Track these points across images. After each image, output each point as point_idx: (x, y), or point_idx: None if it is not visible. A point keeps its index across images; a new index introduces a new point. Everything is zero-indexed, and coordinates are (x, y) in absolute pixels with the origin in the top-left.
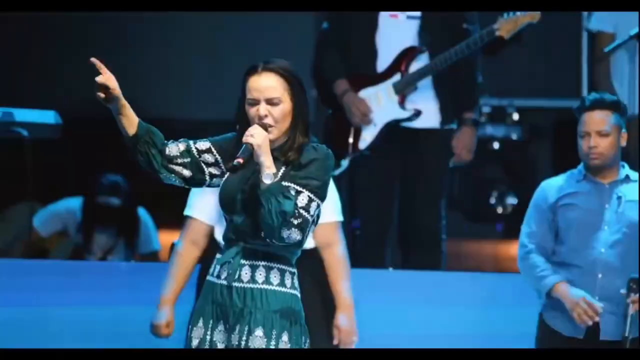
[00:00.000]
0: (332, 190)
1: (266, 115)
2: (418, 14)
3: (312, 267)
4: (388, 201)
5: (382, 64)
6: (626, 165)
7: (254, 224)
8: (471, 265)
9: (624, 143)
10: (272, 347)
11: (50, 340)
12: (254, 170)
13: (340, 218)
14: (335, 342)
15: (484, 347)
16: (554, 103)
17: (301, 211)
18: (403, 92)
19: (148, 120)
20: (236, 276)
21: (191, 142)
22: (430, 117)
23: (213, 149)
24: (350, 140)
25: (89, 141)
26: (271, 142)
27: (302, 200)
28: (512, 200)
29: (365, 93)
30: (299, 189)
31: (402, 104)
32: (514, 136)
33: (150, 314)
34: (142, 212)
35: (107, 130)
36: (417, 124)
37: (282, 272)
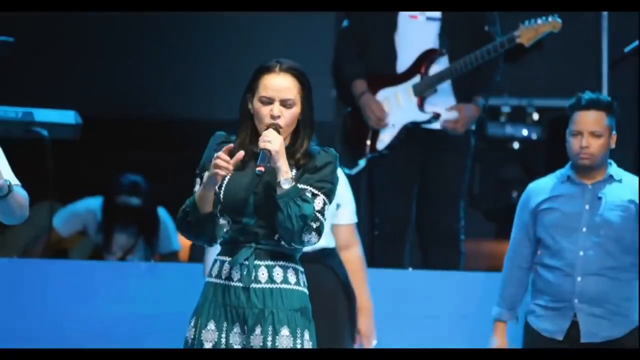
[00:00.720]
0: (349, 193)
1: (279, 116)
2: (438, 15)
3: (337, 266)
4: (407, 201)
5: (402, 64)
6: (613, 164)
7: (267, 226)
8: (491, 265)
9: (613, 145)
10: (299, 345)
11: (69, 340)
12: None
13: (356, 220)
14: (356, 344)
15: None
16: None
17: (318, 214)
18: (422, 94)
19: (164, 121)
20: (252, 277)
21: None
22: (449, 119)
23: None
24: (368, 140)
25: (109, 141)
26: None
27: (318, 203)
28: None
29: (385, 93)
30: (315, 192)
31: (421, 106)
32: (534, 136)
33: (170, 314)
34: (162, 212)
35: (127, 130)
36: (436, 125)
37: (296, 271)
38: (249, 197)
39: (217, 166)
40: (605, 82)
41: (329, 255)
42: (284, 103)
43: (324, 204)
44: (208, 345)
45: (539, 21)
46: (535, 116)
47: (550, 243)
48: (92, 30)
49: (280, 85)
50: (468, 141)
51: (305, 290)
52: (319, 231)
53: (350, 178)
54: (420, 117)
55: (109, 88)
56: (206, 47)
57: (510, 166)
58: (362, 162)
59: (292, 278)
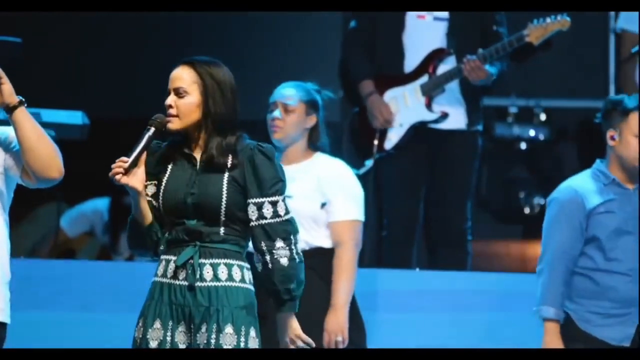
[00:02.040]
0: (350, 187)
1: (171, 106)
2: (445, 15)
3: (320, 266)
4: (414, 201)
5: (410, 64)
6: None
7: (209, 225)
8: (498, 265)
9: None
10: (242, 343)
11: (76, 340)
12: (196, 172)
13: (358, 217)
14: (324, 342)
15: (509, 347)
16: (582, 103)
17: (288, 217)
18: (430, 93)
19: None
20: (197, 276)
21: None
22: (456, 119)
23: (150, 181)
24: (376, 140)
25: (116, 142)
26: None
27: (281, 208)
28: (539, 201)
29: (392, 93)
30: (274, 199)
31: (428, 105)
32: (541, 137)
33: None
34: None
35: (134, 131)
36: (444, 125)
37: (241, 268)
38: (186, 199)
39: (113, 175)
40: (612, 83)
41: (316, 255)
42: (177, 92)
43: (284, 201)
44: (154, 343)
45: (548, 20)
46: (543, 117)
47: (609, 247)
48: (101, 30)
49: (174, 75)
50: (476, 141)
51: (251, 287)
52: (296, 228)
53: (358, 178)
54: (428, 116)
55: (116, 88)
56: (213, 47)
57: (518, 167)
58: (369, 162)
59: (237, 275)
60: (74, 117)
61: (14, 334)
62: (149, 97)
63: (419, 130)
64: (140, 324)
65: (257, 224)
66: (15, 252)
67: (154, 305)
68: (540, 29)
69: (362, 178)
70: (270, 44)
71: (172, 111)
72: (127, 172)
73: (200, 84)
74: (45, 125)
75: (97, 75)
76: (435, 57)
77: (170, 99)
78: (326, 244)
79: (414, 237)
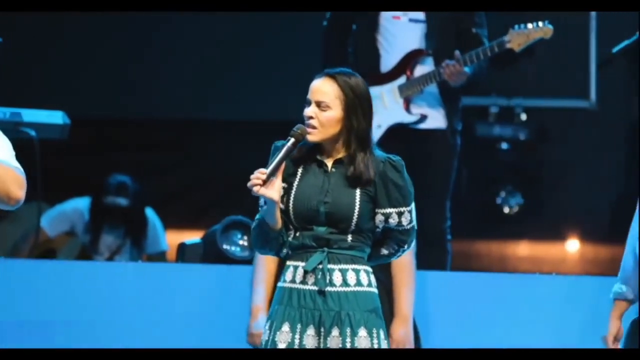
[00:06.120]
0: None
1: (312, 117)
2: (421, 17)
3: (377, 269)
4: None
5: (386, 64)
6: None
7: (338, 232)
8: (478, 265)
9: None
10: (375, 344)
11: (55, 340)
12: (328, 180)
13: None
14: None
15: (491, 347)
16: (563, 103)
17: (412, 230)
18: (408, 95)
19: (151, 121)
20: (327, 280)
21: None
22: (435, 119)
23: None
24: None
25: (97, 141)
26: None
27: (406, 219)
28: (519, 201)
29: (370, 92)
30: (402, 209)
31: (407, 108)
32: (522, 136)
33: (157, 314)
34: (149, 212)
35: (114, 130)
36: (423, 124)
37: (367, 273)
38: (319, 207)
39: (252, 185)
40: (593, 83)
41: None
42: (319, 104)
43: (410, 212)
44: (282, 345)
45: (530, 26)
46: (524, 116)
47: None
48: (79, 30)
49: (316, 87)
50: (455, 141)
51: (376, 291)
52: (413, 238)
53: None
54: (407, 118)
55: (96, 88)
56: (193, 47)
57: (498, 166)
58: None
59: (364, 280)
60: (55, 117)
61: None
62: (130, 97)
63: (397, 131)
64: (267, 327)
65: (380, 230)
66: None
67: (282, 309)
68: (521, 36)
69: None
70: (252, 44)
71: (314, 122)
72: (265, 182)
73: (343, 99)
74: (26, 125)
75: (78, 75)
76: (412, 58)
77: (312, 111)
78: None
79: None
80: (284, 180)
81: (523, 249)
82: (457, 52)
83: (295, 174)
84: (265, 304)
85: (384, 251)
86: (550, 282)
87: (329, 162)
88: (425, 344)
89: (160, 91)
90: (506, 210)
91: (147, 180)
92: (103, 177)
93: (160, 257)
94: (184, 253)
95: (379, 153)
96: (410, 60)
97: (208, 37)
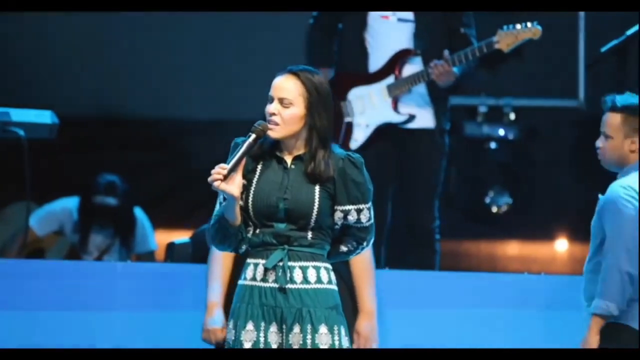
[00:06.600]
0: None
1: (274, 114)
2: (410, 17)
3: (340, 267)
4: (382, 201)
5: (374, 64)
6: None
7: (298, 230)
8: (467, 265)
9: None
10: (336, 341)
11: (45, 340)
12: (288, 176)
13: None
14: (354, 346)
15: (480, 347)
16: (551, 103)
17: (370, 226)
18: (396, 95)
19: (140, 121)
20: (288, 278)
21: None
22: (423, 118)
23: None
24: (341, 139)
25: (85, 141)
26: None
27: (365, 216)
28: (507, 200)
29: (358, 92)
30: (361, 206)
31: (395, 106)
32: (511, 136)
33: (146, 313)
34: (138, 212)
35: (103, 130)
36: (411, 124)
37: (328, 270)
38: (279, 204)
39: (212, 181)
40: (581, 82)
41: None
42: (281, 101)
43: (369, 210)
44: (248, 344)
45: (518, 27)
46: (512, 116)
47: None
48: (68, 30)
49: (279, 84)
50: (443, 140)
51: (336, 288)
52: (372, 235)
53: None
54: (395, 118)
55: (85, 88)
56: (182, 47)
57: (487, 166)
58: None
59: (324, 277)
60: (43, 117)
61: None
62: (119, 96)
63: (385, 130)
64: (231, 326)
65: (339, 228)
66: None
67: (244, 307)
68: (510, 36)
69: None
70: (241, 44)
71: (276, 119)
72: (225, 178)
73: (306, 97)
74: (14, 124)
75: (66, 74)
76: (401, 57)
77: (274, 108)
78: None
79: (383, 237)
80: (243, 177)
81: (512, 248)
82: (445, 52)
83: (254, 170)
84: (221, 299)
85: (343, 248)
86: (539, 282)
87: (289, 159)
88: (414, 344)
89: (150, 91)
90: (494, 209)
91: (136, 180)
92: (92, 177)
93: (149, 256)
94: (173, 253)
95: (337, 150)
96: (398, 59)
97: (195, 37)
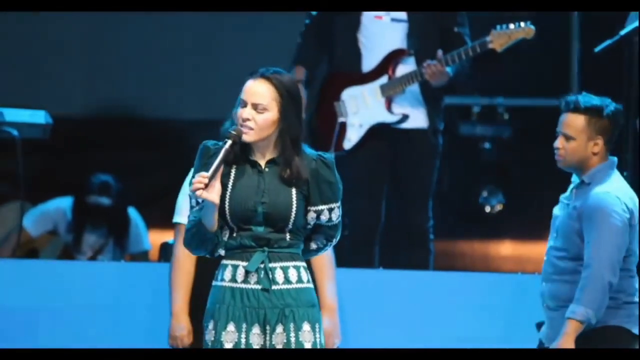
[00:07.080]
0: None
1: (248, 119)
2: (403, 17)
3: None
4: (376, 201)
5: (368, 64)
6: None
7: (277, 231)
8: (461, 265)
9: None
10: (318, 339)
11: (39, 340)
12: (263, 180)
13: None
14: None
15: (473, 347)
16: (545, 102)
17: (338, 223)
18: (390, 95)
19: (133, 121)
20: (270, 279)
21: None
22: (417, 118)
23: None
24: (335, 139)
25: (79, 141)
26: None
27: (335, 215)
28: (501, 200)
29: (351, 92)
30: (332, 205)
31: (389, 107)
32: (505, 136)
33: (140, 313)
34: (132, 212)
35: (97, 130)
36: (405, 124)
37: (305, 269)
38: (257, 208)
39: (195, 190)
40: (575, 82)
41: None
42: (255, 107)
43: (338, 208)
44: (228, 345)
45: (511, 26)
46: (506, 116)
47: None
48: (62, 29)
49: (252, 88)
50: (436, 140)
51: (312, 286)
52: (339, 232)
53: None
54: (389, 118)
55: (78, 88)
56: (176, 47)
57: (481, 165)
58: None
59: (304, 277)
60: (37, 117)
61: None
62: (113, 96)
63: (379, 130)
64: (210, 327)
65: (311, 227)
66: None
67: (225, 309)
68: (503, 36)
69: None
70: (236, 45)
71: (250, 124)
72: (206, 186)
73: (279, 101)
74: (8, 124)
75: (60, 74)
76: (394, 57)
77: (248, 113)
78: None
79: (376, 237)
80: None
81: (506, 248)
82: (439, 52)
83: (228, 175)
84: (186, 305)
85: (313, 246)
86: (533, 282)
87: (262, 162)
88: (408, 344)
89: (143, 91)
90: (488, 209)
91: (130, 180)
92: (86, 177)
93: (142, 256)
94: (167, 252)
95: (308, 151)
96: (392, 60)
97: (187, 37)
